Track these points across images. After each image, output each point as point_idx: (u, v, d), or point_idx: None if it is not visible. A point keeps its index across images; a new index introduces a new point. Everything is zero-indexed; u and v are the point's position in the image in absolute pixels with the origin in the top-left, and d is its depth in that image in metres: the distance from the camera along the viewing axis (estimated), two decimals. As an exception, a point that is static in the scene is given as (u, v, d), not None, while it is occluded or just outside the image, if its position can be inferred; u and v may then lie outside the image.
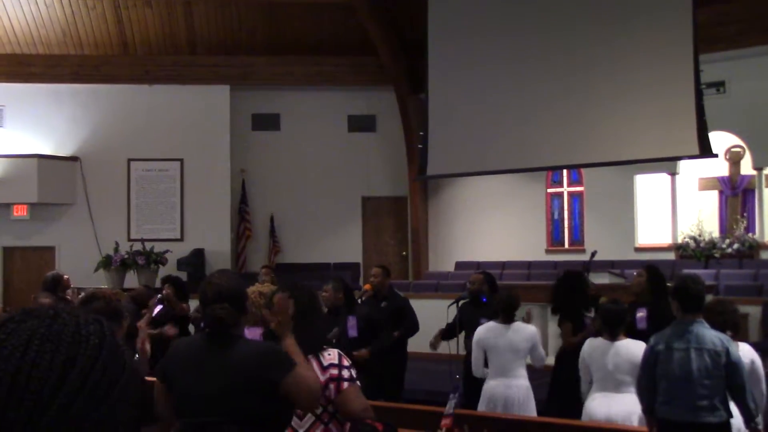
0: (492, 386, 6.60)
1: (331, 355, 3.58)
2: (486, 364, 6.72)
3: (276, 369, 3.19)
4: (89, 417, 1.17)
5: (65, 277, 9.24)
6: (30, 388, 1.14)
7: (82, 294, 4.68)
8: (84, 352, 1.19)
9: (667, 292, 7.00)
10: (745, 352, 5.09)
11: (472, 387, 6.92)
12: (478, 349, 6.73)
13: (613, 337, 5.82)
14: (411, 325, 8.32)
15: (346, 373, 3.54)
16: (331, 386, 3.48)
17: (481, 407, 6.58)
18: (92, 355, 1.20)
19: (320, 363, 3.53)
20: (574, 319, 7.09)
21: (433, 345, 8.01)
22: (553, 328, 10.82)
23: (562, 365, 7.09)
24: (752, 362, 5.08)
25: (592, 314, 6.98)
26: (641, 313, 6.73)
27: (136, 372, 1.29)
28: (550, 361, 7.82)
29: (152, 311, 8.42)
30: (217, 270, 3.66)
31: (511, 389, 6.50)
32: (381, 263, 10.30)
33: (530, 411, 6.52)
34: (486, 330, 6.73)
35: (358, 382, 3.60)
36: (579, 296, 7.22)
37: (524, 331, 6.64)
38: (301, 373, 3.24)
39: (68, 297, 8.59)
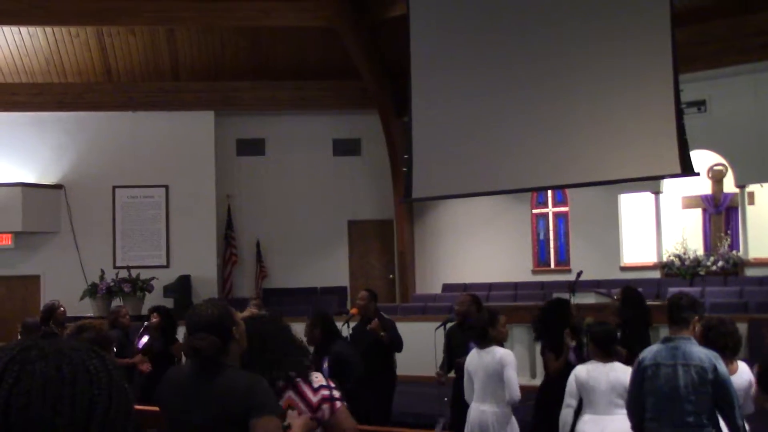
0: (470, 411, 6.55)
1: (319, 378, 3.58)
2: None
3: (254, 405, 3.10)
4: None
5: (60, 309, 9.13)
6: None
7: (71, 326, 4.65)
8: (99, 393, 1.19)
9: (642, 311, 7.11)
10: (743, 372, 5.09)
11: (461, 411, 6.87)
12: (466, 375, 6.69)
13: (606, 358, 5.79)
14: (397, 338, 8.22)
15: (336, 393, 3.54)
16: (325, 407, 3.46)
17: None
18: (106, 396, 1.20)
19: (310, 385, 3.50)
20: (556, 349, 7.01)
21: (440, 376, 7.83)
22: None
23: (546, 394, 7.00)
24: (749, 381, 5.06)
25: (573, 344, 6.91)
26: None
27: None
28: (539, 381, 7.77)
29: (138, 342, 8.39)
30: (206, 299, 3.61)
31: (485, 414, 6.39)
32: (368, 287, 10.30)
33: None
34: (469, 355, 6.71)
35: (344, 402, 3.61)
36: (563, 325, 7.12)
37: (496, 353, 6.44)
38: (277, 425, 3.14)
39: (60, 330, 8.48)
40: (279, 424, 3.17)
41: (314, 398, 3.47)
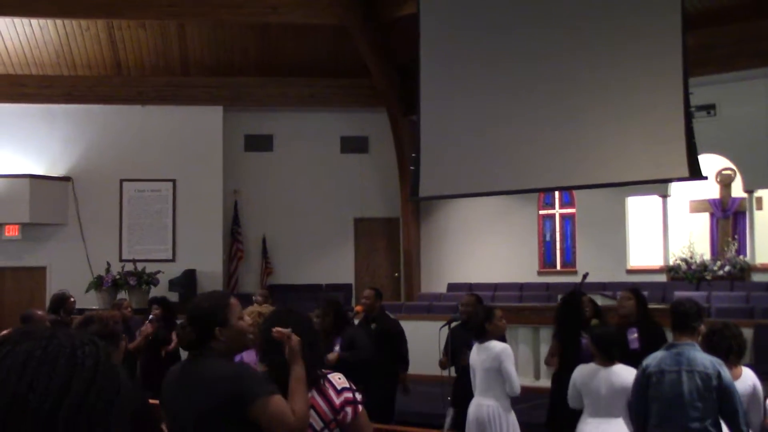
0: (471, 405, 6.57)
1: (342, 379, 3.46)
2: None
3: (247, 391, 3.04)
4: None
5: (71, 299, 9.17)
6: (28, 413, 1.14)
7: (79, 317, 4.65)
8: (79, 375, 1.19)
9: (650, 313, 7.17)
10: (747, 377, 5.06)
11: (463, 409, 6.87)
12: (471, 370, 6.71)
13: (607, 362, 5.73)
14: (402, 359, 8.27)
15: (358, 396, 3.44)
16: (348, 409, 3.37)
17: (468, 429, 6.56)
18: (88, 378, 1.20)
19: (333, 386, 3.41)
20: (567, 340, 7.04)
21: (443, 364, 7.84)
22: (545, 350, 10.81)
23: (559, 386, 7.04)
24: (753, 387, 5.02)
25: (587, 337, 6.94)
26: (633, 335, 6.74)
27: (133, 392, 1.29)
28: (543, 383, 7.76)
29: (146, 337, 8.44)
30: (212, 291, 3.55)
31: (482, 409, 6.42)
32: (373, 285, 10.30)
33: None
34: (471, 351, 6.73)
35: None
36: (575, 317, 7.16)
37: (493, 348, 6.48)
38: (278, 403, 3.08)
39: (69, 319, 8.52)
40: (280, 402, 3.09)
41: (337, 400, 3.37)
